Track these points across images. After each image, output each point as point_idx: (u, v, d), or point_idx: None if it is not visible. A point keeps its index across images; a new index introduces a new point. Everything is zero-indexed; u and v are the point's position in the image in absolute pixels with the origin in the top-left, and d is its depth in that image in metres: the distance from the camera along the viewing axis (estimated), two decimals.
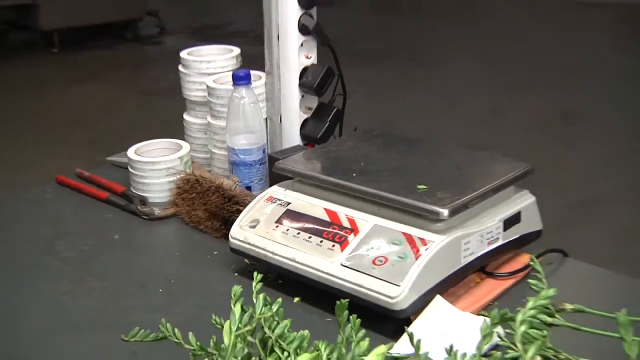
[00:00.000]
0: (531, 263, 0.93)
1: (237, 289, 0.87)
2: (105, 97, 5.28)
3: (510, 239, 1.16)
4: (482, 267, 1.15)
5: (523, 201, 1.17)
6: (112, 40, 6.88)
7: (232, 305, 0.86)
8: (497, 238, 1.13)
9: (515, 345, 0.72)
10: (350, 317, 0.85)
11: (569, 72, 5.54)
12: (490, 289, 1.13)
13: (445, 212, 1.06)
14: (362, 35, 7.02)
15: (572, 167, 3.99)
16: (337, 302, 0.87)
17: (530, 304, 0.71)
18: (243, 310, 0.86)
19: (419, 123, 4.61)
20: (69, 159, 3.11)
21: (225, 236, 1.28)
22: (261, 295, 0.84)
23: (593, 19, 7.02)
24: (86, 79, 5.73)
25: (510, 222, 1.15)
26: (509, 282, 1.15)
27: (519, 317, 0.70)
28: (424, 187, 1.11)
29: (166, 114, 2.57)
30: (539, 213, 1.21)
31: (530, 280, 0.92)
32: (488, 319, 0.75)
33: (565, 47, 6.24)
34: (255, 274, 0.88)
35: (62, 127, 4.73)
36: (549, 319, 0.89)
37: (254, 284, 0.87)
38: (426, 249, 1.05)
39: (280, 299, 0.85)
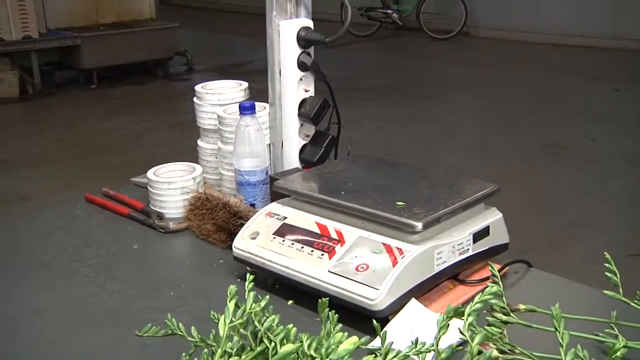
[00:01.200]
0: (490, 268, 0.97)
1: (232, 288, 0.91)
2: (137, 128, 5.37)
3: (480, 251, 1.19)
4: (455, 275, 1.19)
5: (491, 217, 1.21)
6: (145, 78, 7.00)
7: (227, 302, 0.90)
8: (468, 249, 1.17)
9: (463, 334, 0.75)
10: (329, 313, 0.88)
11: (552, 109, 5.58)
12: (461, 294, 1.16)
13: (419, 225, 1.10)
14: (369, 73, 7.10)
15: (553, 193, 4.02)
16: (319, 300, 0.91)
17: (476, 298, 0.75)
18: (237, 307, 0.90)
19: (418, 151, 4.66)
20: (101, 180, 3.18)
21: (231, 247, 1.32)
22: (252, 293, 0.88)
23: (574, 62, 7.06)
24: (120, 112, 5.84)
25: (480, 235, 1.18)
26: (478, 288, 1.18)
27: (467, 310, 0.74)
28: (402, 203, 1.15)
29: (185, 141, 2.64)
30: (505, 228, 1.24)
31: (488, 283, 0.95)
32: (442, 315, 0.79)
33: (549, 86, 6.29)
34: (248, 275, 0.92)
35: (97, 153, 4.82)
36: (504, 317, 0.92)
37: (246, 284, 0.91)
38: (402, 257, 1.08)
39: (268, 296, 0.89)
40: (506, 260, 1.24)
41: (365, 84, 6.11)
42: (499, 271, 1.20)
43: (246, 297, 0.90)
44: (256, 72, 6.33)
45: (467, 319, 0.73)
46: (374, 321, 0.87)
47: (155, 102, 6.30)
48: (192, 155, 1.75)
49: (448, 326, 0.77)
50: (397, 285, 1.07)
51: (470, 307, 0.74)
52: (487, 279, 1.19)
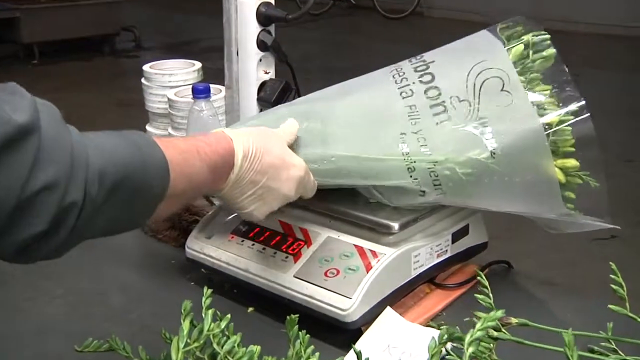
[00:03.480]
0: (478, 278, 0.87)
1: (186, 304, 0.79)
2: (82, 107, 5.13)
3: (458, 251, 1.09)
4: (431, 278, 1.08)
5: (470, 215, 1.11)
6: (90, 54, 6.73)
7: (181, 321, 0.78)
8: (446, 250, 1.07)
9: None
10: (300, 332, 0.77)
11: None
12: (439, 299, 1.06)
13: (395, 225, 0.99)
14: (325, 53, 6.97)
15: None
16: (288, 317, 0.79)
17: (478, 324, 0.64)
18: (193, 325, 0.77)
19: None
20: None
21: (183, 245, 1.19)
22: (210, 312, 0.76)
23: None
24: (64, 89, 5.58)
25: (459, 235, 1.08)
26: (456, 293, 1.08)
27: (468, 338, 0.64)
28: (376, 200, 1.04)
29: (134, 123, 2.48)
30: (484, 226, 1.14)
31: (477, 295, 0.86)
32: (436, 337, 0.68)
33: None
34: (205, 289, 0.80)
35: None
36: (496, 334, 0.82)
37: (203, 299, 0.79)
38: (377, 261, 0.98)
39: (229, 315, 0.77)
40: (481, 261, 1.15)
41: (322, 65, 5.98)
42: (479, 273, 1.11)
43: (203, 314, 0.78)
44: (209, 51, 6.14)
45: (467, 349, 0.63)
46: (353, 345, 0.76)
47: (102, 80, 6.05)
48: None
49: (440, 352, 0.67)
50: (372, 292, 0.96)
51: (472, 336, 0.63)
52: (466, 282, 1.10)
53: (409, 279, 1.02)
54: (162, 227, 1.26)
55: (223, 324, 0.75)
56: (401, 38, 7.79)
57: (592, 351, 0.87)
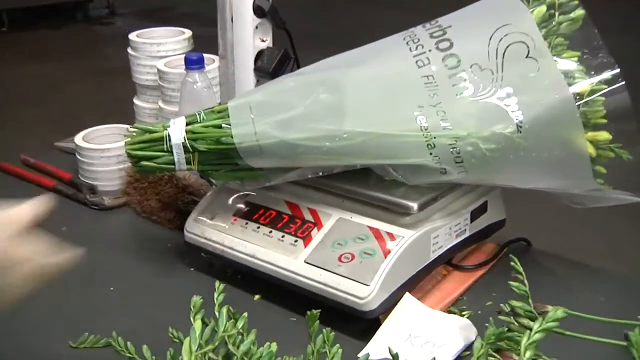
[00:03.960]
0: (512, 264, 0.80)
1: (196, 300, 0.72)
2: (55, 76, 4.97)
3: (477, 230, 1.03)
4: (449, 259, 1.02)
5: (489, 190, 1.04)
6: (62, 21, 6.52)
7: (191, 319, 0.71)
8: (465, 230, 1.00)
9: None
10: (324, 330, 0.71)
11: None
12: (458, 283, 1.00)
13: (414, 205, 0.92)
14: (311, 18, 6.82)
15: None
16: (308, 312, 0.73)
17: (536, 326, 0.58)
18: (204, 324, 0.71)
19: None
20: (18, 142, 2.88)
21: (180, 227, 1.12)
22: (224, 309, 0.69)
23: None
24: (37, 58, 5.40)
25: (477, 212, 1.02)
26: (476, 274, 1.02)
27: (524, 341, 0.57)
28: (391, 178, 0.97)
29: (117, 95, 2.37)
30: (502, 202, 1.08)
31: (511, 282, 0.80)
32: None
33: None
34: (217, 283, 0.73)
35: (11, 107, 4.42)
36: (532, 324, 0.76)
37: (215, 295, 0.72)
38: (396, 244, 0.91)
39: (245, 314, 0.70)
40: (498, 239, 1.09)
41: (308, 32, 5.84)
42: (498, 253, 1.05)
43: (215, 311, 0.71)
44: (185, 18, 5.98)
45: (524, 354, 0.56)
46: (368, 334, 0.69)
47: (77, 47, 5.85)
48: (127, 114, 1.52)
49: (487, 354, 0.60)
50: (391, 278, 0.90)
51: (529, 339, 0.57)
52: (485, 263, 1.04)
53: (428, 262, 0.95)
54: (157, 208, 1.18)
55: (240, 324, 0.68)
56: (384, 1, 7.65)
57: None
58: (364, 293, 0.88)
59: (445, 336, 0.87)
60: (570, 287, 0.99)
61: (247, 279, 1.02)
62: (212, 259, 1.06)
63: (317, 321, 0.72)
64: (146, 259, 1.11)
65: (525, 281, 0.78)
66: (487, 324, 0.75)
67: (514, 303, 0.77)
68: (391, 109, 0.92)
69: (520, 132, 0.88)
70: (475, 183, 0.98)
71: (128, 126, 1.33)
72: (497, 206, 1.06)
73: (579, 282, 1.02)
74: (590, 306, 0.94)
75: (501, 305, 0.83)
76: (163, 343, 0.79)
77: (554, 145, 0.90)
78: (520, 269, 0.78)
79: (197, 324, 0.69)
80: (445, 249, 0.97)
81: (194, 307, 0.72)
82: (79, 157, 1.30)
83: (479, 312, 0.95)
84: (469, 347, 0.86)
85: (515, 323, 0.77)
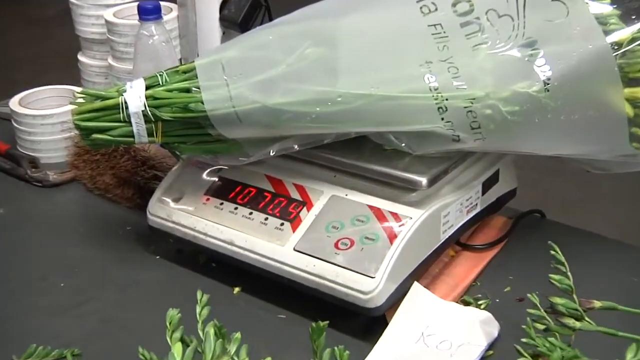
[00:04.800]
0: (552, 252, 0.68)
1: (173, 315, 0.59)
2: None
3: (489, 203, 0.90)
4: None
5: (501, 157, 0.91)
6: None
7: (168, 339, 0.57)
8: (476, 205, 0.87)
9: None
10: (336, 349, 0.57)
11: None
12: (470, 265, 0.88)
13: (423, 180, 0.79)
14: None
15: None
16: (313, 324, 0.59)
17: (630, 354, 0.45)
18: (184, 344, 0.56)
19: None
20: None
21: (140, 206, 0.97)
22: (211, 329, 0.55)
23: None
24: None
25: (489, 183, 0.89)
26: (488, 255, 0.90)
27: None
28: (392, 147, 0.83)
29: (57, 46, 2.15)
30: (514, 169, 0.95)
31: (552, 275, 0.67)
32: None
33: None
34: (199, 293, 0.59)
35: None
36: (578, 324, 0.64)
37: (198, 309, 0.58)
38: (402, 226, 0.78)
39: (238, 335, 0.56)
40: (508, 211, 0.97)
41: None
42: (512, 228, 0.93)
43: (199, 330, 0.57)
44: None
45: None
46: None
47: None
48: (70, 72, 1.34)
49: None
50: (398, 267, 0.76)
51: None
52: (498, 241, 0.91)
53: (437, 244, 0.82)
54: (112, 185, 1.02)
55: (233, 348, 0.54)
56: None
57: None
58: (369, 287, 0.75)
59: (465, 333, 0.75)
60: (595, 265, 0.88)
61: (224, 269, 0.88)
62: (180, 245, 0.91)
63: (324, 334, 0.59)
64: (102, 247, 0.95)
65: (569, 273, 0.65)
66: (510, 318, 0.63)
67: (555, 300, 0.65)
68: (393, 65, 0.78)
69: (548, 91, 0.75)
70: (492, 151, 0.85)
71: (74, 88, 1.17)
72: (509, 174, 0.94)
73: (604, 259, 0.90)
74: (623, 289, 0.84)
75: (529, 295, 0.71)
76: (127, 348, 0.65)
77: (586, 105, 0.77)
78: (562, 259, 0.66)
79: (177, 348, 0.55)
80: (456, 227, 0.85)
81: (170, 322, 0.57)
82: (15, 124, 1.14)
83: (497, 300, 0.83)
84: (491, 345, 0.75)
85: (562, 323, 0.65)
